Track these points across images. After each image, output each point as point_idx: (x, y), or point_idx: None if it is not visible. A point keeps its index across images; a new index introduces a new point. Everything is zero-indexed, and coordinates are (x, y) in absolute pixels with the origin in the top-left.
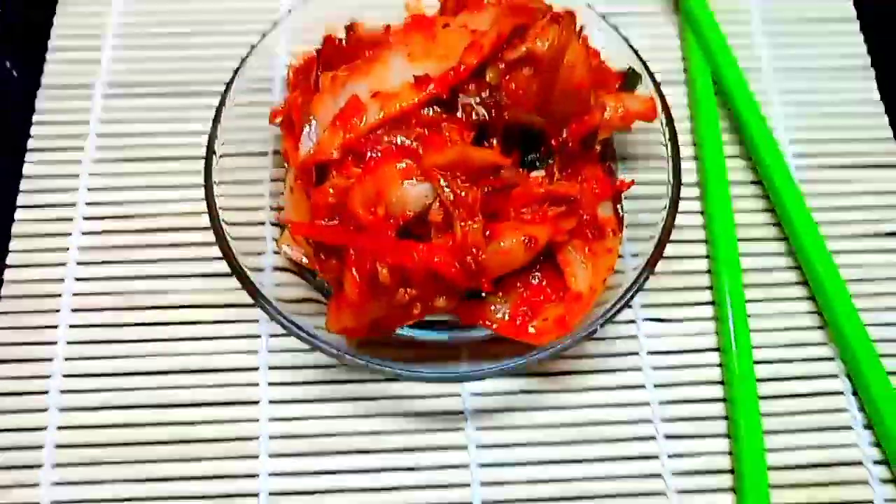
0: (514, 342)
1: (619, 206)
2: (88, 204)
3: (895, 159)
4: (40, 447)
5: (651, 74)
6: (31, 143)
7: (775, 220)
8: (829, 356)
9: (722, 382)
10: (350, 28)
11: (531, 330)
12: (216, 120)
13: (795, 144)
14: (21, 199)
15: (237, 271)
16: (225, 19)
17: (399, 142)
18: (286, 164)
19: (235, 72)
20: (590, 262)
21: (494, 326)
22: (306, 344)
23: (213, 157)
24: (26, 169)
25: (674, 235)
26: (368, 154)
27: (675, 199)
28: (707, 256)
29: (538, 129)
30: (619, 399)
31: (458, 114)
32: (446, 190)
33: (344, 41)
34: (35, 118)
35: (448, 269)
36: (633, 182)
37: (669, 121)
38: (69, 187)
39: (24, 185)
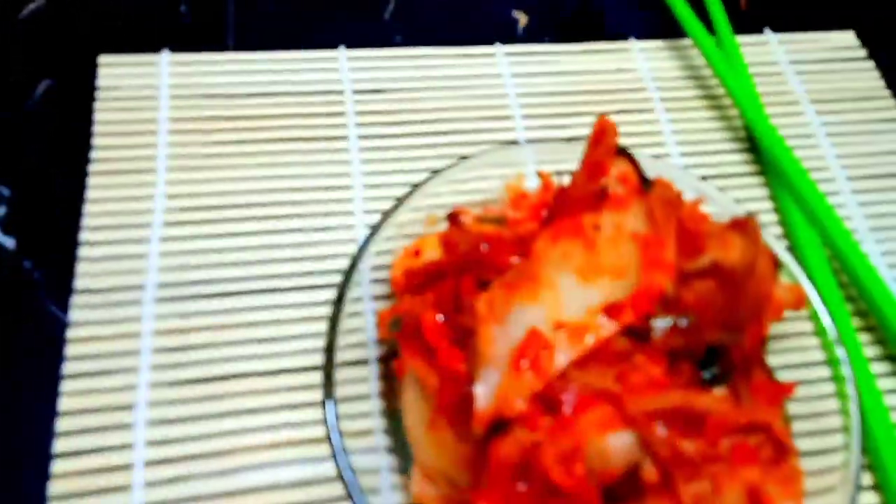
0: None
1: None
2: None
3: None
4: None
5: (797, 261)
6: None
7: None
8: None
9: None
10: (454, 217)
11: None
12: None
13: None
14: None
15: None
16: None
17: (593, 384)
18: (398, 379)
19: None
20: (792, 492)
21: None
22: None
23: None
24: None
25: None
26: (564, 400)
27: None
28: None
29: (719, 345)
30: None
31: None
32: (663, 443)
33: (452, 234)
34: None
35: None
36: (797, 384)
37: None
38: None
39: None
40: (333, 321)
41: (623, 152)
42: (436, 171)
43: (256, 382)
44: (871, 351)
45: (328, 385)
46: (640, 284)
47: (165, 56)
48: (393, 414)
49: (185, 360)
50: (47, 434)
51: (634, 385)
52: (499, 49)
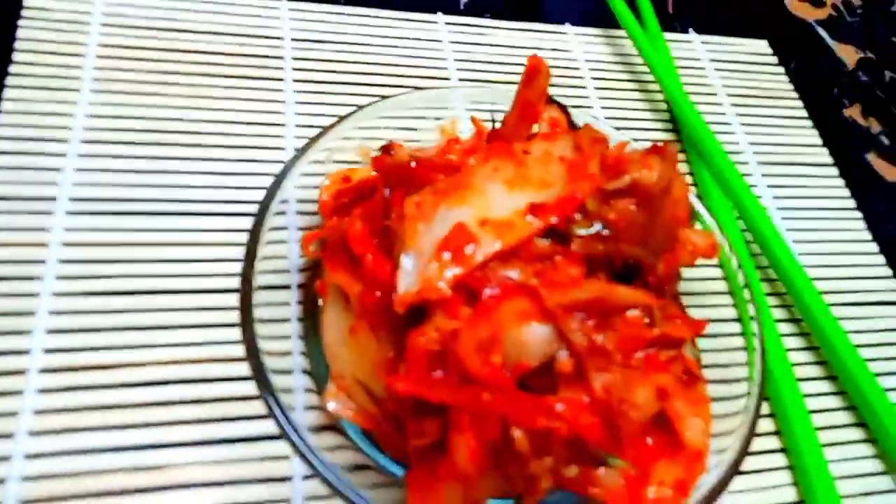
0: None
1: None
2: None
3: None
4: None
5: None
6: None
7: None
8: None
9: None
10: (387, 149)
11: (651, 497)
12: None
13: None
14: None
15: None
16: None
17: (514, 277)
18: (319, 301)
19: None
20: (700, 413)
21: (606, 495)
22: None
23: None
24: None
25: None
26: (485, 292)
27: (762, 341)
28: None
29: (635, 264)
30: None
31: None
32: (578, 335)
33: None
34: None
35: (594, 432)
36: (708, 321)
37: (739, 261)
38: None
39: None
40: (253, 239)
41: (553, 101)
42: (364, 105)
43: (167, 300)
44: (777, 313)
45: (246, 301)
46: (564, 191)
47: None
48: (310, 338)
49: (94, 273)
50: None
51: (553, 281)
52: (440, 18)
